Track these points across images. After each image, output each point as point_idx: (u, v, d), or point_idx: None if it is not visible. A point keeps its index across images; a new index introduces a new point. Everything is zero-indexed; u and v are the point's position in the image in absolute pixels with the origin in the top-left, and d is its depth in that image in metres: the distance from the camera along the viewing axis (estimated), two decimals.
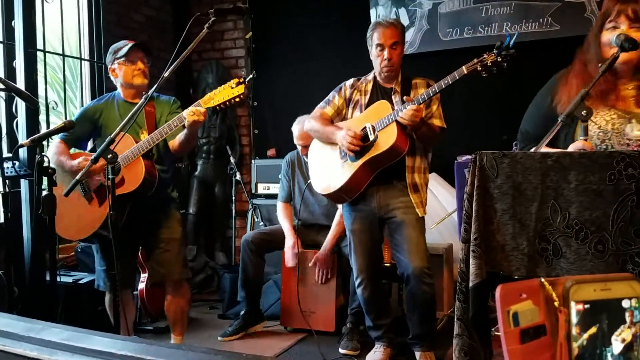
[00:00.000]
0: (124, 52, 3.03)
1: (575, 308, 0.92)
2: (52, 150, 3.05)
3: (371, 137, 2.93)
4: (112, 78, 3.14)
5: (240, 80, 2.72)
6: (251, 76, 2.91)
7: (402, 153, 2.93)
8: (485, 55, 2.59)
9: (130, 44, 3.05)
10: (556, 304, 0.94)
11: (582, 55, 2.01)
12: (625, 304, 0.93)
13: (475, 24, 4.47)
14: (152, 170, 2.89)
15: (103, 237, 2.91)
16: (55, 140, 3.09)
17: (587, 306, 0.92)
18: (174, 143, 2.96)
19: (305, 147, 3.79)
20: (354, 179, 3.02)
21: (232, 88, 2.71)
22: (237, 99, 2.73)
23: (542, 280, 0.95)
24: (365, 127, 2.97)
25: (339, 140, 3.01)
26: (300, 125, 3.77)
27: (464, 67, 2.66)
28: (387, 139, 2.88)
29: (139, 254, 3.55)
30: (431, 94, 2.77)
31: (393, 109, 2.92)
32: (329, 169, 3.16)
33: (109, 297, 3.12)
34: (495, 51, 2.53)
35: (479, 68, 2.58)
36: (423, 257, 3.03)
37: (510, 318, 0.94)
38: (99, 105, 3.12)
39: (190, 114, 2.74)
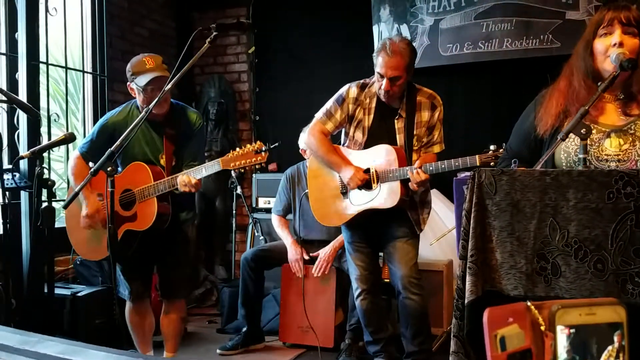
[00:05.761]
0: (141, 83, 2.82)
1: (561, 332, 0.91)
2: (71, 168, 3.01)
3: (374, 186, 2.97)
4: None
5: (265, 148, 2.67)
6: (276, 144, 2.88)
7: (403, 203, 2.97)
8: (501, 150, 2.51)
9: (148, 76, 2.80)
10: (542, 328, 0.93)
11: (569, 69, 1.96)
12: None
13: (475, 40, 4.45)
14: (165, 210, 2.87)
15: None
16: (75, 155, 3.05)
17: (572, 330, 0.91)
18: None
19: None
20: (353, 220, 3.10)
21: (256, 153, 2.66)
22: (258, 166, 2.71)
23: (529, 303, 0.94)
24: (369, 170, 2.99)
25: (346, 178, 3.02)
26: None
27: (477, 157, 2.65)
28: (390, 195, 2.92)
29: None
30: (439, 170, 2.77)
31: (398, 158, 2.90)
32: (328, 202, 3.18)
33: (129, 305, 3.12)
34: None
35: (493, 163, 2.55)
36: (412, 267, 3.06)
37: (498, 342, 0.92)
38: (118, 121, 2.98)
39: (182, 183, 2.74)
